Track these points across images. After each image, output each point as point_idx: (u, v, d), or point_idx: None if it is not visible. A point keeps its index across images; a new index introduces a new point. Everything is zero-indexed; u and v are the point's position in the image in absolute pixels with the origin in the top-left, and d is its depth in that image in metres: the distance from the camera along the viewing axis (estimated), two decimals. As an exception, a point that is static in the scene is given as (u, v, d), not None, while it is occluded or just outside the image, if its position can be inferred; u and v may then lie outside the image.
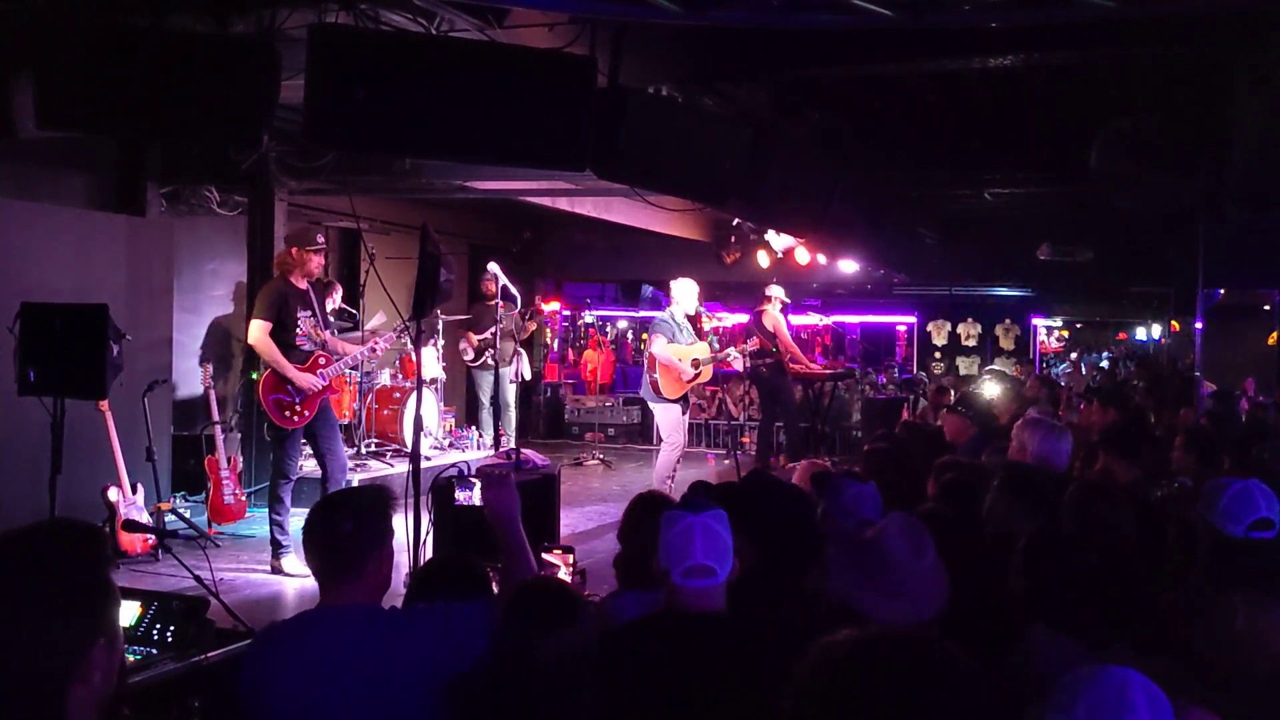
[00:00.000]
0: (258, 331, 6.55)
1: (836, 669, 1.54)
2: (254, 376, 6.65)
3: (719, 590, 2.62)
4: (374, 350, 7.30)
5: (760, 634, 2.56)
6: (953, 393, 10.79)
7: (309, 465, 7.28)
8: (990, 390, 8.94)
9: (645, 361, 9.00)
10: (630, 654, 2.55)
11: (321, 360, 6.73)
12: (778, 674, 1.64)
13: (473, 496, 4.74)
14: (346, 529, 2.53)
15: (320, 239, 6.86)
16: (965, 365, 18.53)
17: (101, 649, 1.55)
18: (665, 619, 2.64)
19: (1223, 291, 10.69)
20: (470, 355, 11.17)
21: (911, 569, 2.73)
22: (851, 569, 2.80)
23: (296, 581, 6.40)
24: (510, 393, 10.68)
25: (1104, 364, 19.91)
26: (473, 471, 5.15)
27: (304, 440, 6.87)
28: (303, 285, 6.74)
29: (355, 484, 7.68)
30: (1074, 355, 21.12)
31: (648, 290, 18.64)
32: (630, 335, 19.60)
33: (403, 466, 8.55)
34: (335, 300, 9.27)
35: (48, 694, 1.50)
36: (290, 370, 6.54)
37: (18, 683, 1.48)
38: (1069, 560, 2.72)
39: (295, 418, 6.60)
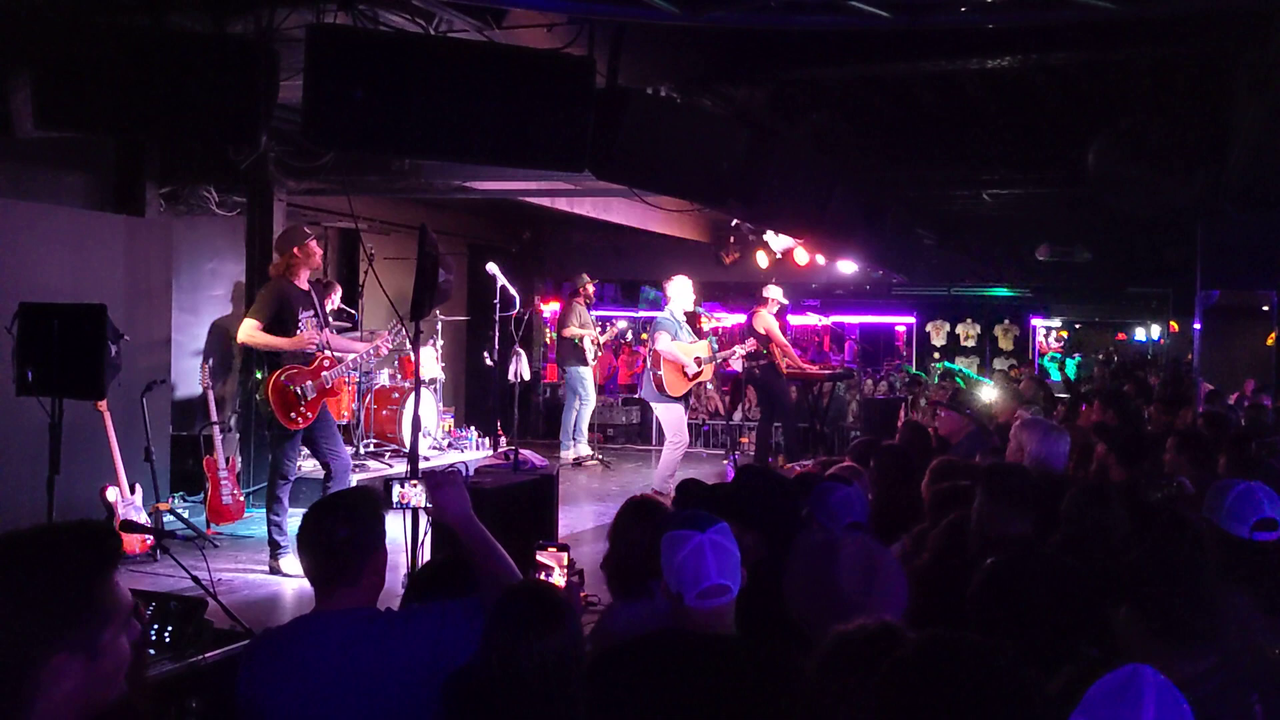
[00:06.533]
0: (248, 329, 6.55)
1: (906, 673, 1.55)
2: (259, 376, 6.63)
3: (731, 608, 2.57)
4: (378, 350, 7.30)
5: (771, 656, 2.52)
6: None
7: (308, 465, 7.27)
8: (991, 392, 8.94)
9: (649, 359, 9.02)
10: (639, 674, 2.50)
11: (326, 363, 6.72)
12: (788, 696, 1.60)
13: (411, 497, 4.43)
14: (342, 534, 2.52)
15: (307, 229, 6.83)
16: (964, 366, 18.54)
17: (65, 661, 1.51)
18: (675, 638, 2.58)
19: (1219, 293, 10.68)
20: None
21: (857, 602, 2.63)
22: (805, 591, 2.74)
23: (294, 582, 6.39)
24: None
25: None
26: (470, 473, 5.14)
27: (303, 444, 6.86)
28: (305, 286, 6.73)
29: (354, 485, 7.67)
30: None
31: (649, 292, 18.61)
32: (630, 335, 19.58)
33: (401, 467, 8.55)
34: (334, 300, 9.27)
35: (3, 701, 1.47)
36: (285, 342, 6.53)
37: None
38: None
39: (300, 419, 6.58)
